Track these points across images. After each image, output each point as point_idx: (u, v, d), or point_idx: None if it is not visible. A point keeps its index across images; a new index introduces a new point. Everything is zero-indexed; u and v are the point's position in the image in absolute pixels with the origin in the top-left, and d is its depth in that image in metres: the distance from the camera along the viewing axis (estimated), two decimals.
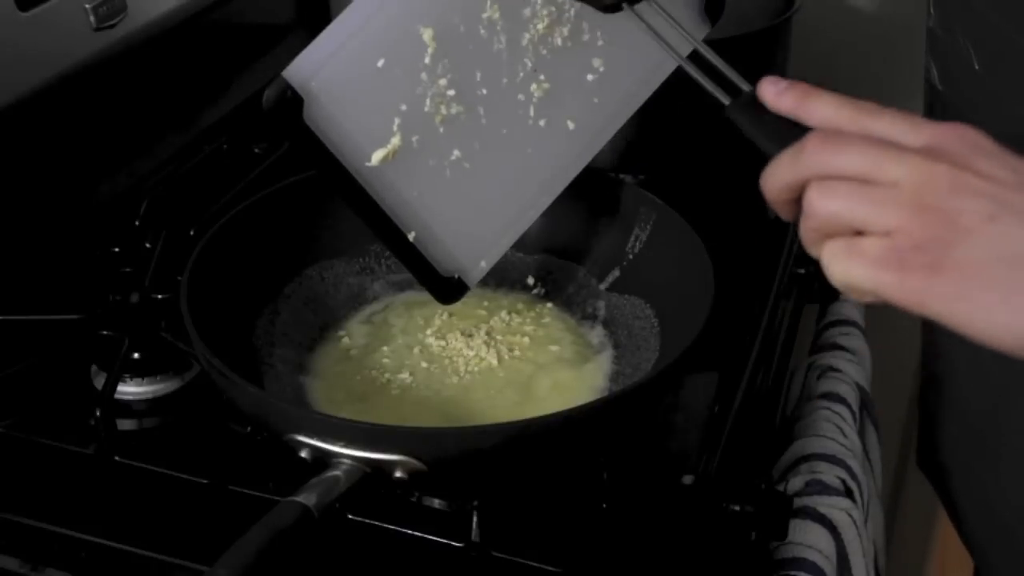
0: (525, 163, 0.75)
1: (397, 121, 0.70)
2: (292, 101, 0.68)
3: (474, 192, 0.74)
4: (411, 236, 0.73)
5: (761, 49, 0.97)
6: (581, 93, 0.74)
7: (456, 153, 0.72)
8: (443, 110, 0.71)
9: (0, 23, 0.82)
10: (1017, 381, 0.72)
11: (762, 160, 0.53)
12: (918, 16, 1.12)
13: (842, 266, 0.48)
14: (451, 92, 0.70)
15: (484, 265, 0.76)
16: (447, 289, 0.75)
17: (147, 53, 0.97)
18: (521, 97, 0.73)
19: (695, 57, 0.64)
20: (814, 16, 1.06)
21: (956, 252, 0.46)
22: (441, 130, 0.71)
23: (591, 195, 0.81)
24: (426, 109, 0.70)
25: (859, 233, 0.47)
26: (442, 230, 0.74)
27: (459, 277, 0.75)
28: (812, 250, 0.49)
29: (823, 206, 0.48)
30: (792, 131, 0.51)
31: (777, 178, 0.50)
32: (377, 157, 0.70)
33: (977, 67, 0.68)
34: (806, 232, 0.49)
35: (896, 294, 0.48)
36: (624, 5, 0.65)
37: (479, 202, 0.74)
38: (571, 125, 0.75)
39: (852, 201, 0.47)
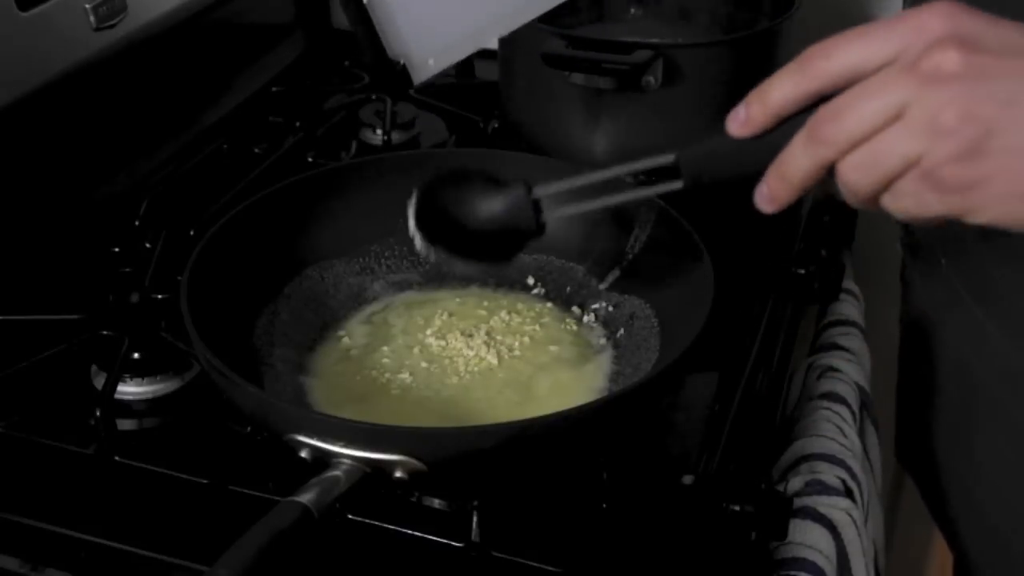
0: None
1: None
2: None
3: None
4: None
5: (761, 49, 0.97)
6: None
7: None
8: None
9: (0, 23, 0.82)
10: (992, 374, 0.72)
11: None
12: None
13: (901, 208, 0.48)
14: None
15: (432, 64, 0.70)
16: (390, 75, 0.69)
17: (147, 53, 0.97)
18: None
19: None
20: (814, 16, 1.06)
21: (987, 157, 0.45)
22: None
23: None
24: None
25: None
26: (399, 10, 0.69)
27: (404, 65, 0.69)
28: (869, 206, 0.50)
29: (857, 180, 0.48)
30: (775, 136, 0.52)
31: (797, 168, 0.50)
32: None
33: None
34: (855, 202, 0.49)
35: (949, 212, 0.47)
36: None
37: None
38: None
39: (877, 162, 0.47)
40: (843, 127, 0.48)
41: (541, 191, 0.63)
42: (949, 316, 0.73)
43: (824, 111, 0.49)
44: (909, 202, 0.47)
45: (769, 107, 0.52)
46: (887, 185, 0.48)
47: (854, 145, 0.48)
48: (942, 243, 0.74)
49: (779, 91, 0.52)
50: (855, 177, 0.48)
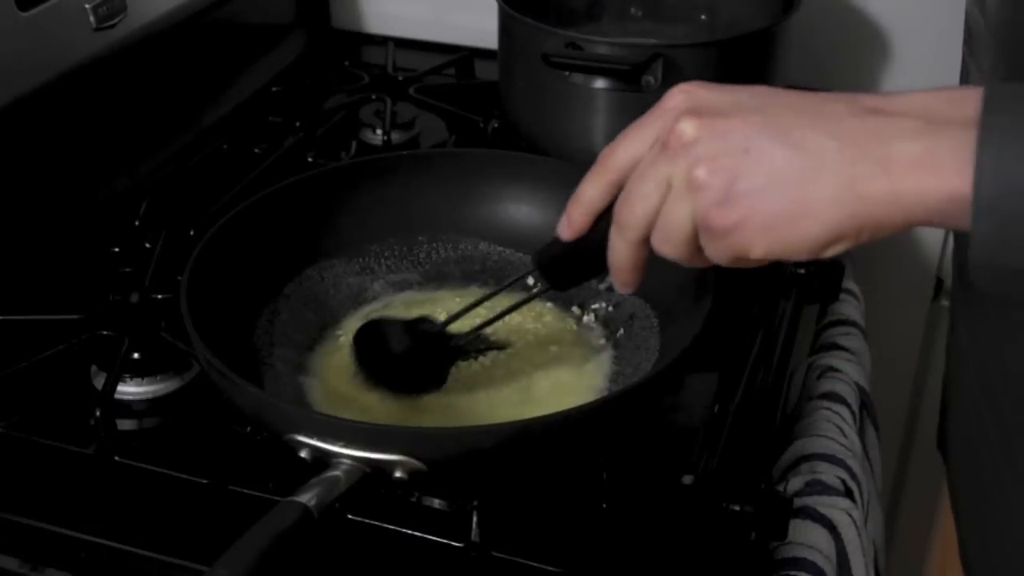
0: None
1: None
2: None
3: None
4: None
5: (761, 49, 0.97)
6: None
7: None
8: None
9: (0, 23, 0.82)
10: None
11: None
12: (918, 16, 1.12)
13: (714, 259, 0.56)
14: None
15: None
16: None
17: (147, 53, 0.97)
18: None
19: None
20: (814, 17, 1.06)
21: (738, 199, 0.51)
22: None
23: None
24: None
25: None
26: None
27: None
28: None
29: (668, 250, 0.57)
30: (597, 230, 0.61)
31: (620, 252, 0.59)
32: None
33: (985, 34, 0.68)
34: (691, 264, 0.58)
35: (733, 253, 0.54)
36: None
37: None
38: None
39: (671, 230, 0.55)
40: (633, 210, 0.56)
41: (442, 324, 0.72)
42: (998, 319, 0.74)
43: (619, 200, 0.58)
44: (712, 254, 0.55)
45: (584, 207, 0.61)
46: (691, 245, 0.55)
47: (649, 221, 0.56)
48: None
49: (587, 192, 0.61)
50: (665, 249, 0.56)
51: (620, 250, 0.59)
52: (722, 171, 0.52)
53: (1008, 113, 0.47)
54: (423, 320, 0.72)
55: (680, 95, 0.55)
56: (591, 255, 0.62)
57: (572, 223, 0.62)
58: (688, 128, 0.53)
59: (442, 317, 0.78)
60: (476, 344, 0.76)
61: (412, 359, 0.71)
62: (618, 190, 0.58)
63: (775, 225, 0.51)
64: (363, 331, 0.72)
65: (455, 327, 0.72)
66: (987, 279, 0.49)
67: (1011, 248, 0.47)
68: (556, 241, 0.64)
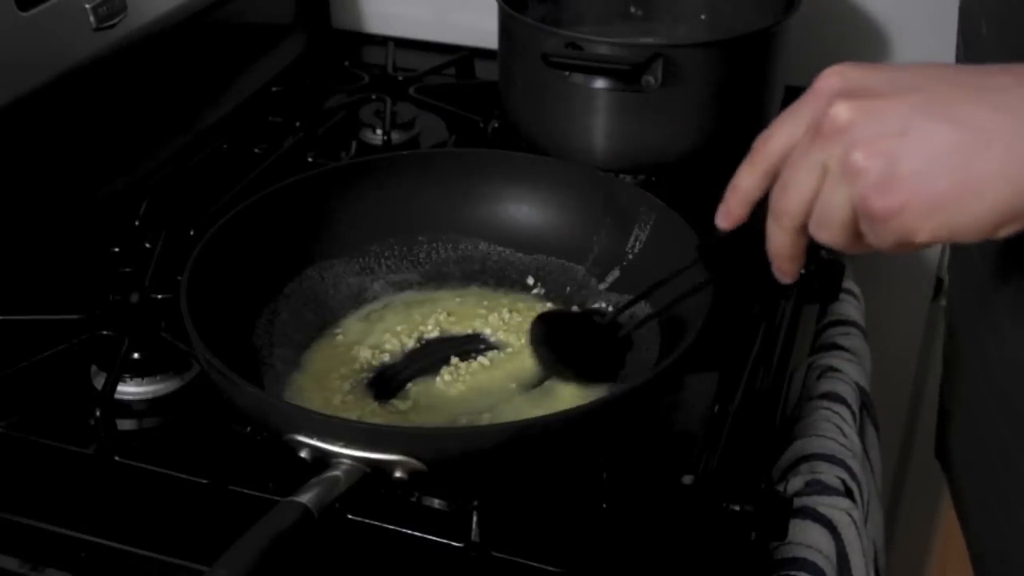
0: None
1: None
2: None
3: None
4: None
5: (761, 49, 0.97)
6: None
7: None
8: None
9: (0, 23, 0.82)
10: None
11: None
12: (918, 16, 1.12)
13: (874, 245, 0.54)
14: None
15: None
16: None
17: (147, 53, 0.97)
18: None
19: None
20: (814, 17, 1.06)
21: (900, 182, 0.50)
22: None
23: (591, 195, 0.81)
24: None
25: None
26: None
27: None
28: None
29: (826, 237, 0.55)
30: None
31: (779, 242, 0.57)
32: None
33: (984, 31, 0.68)
34: (851, 252, 0.56)
35: (897, 238, 0.52)
36: None
37: None
38: None
39: (829, 216, 0.53)
40: (789, 197, 0.55)
41: (616, 312, 0.73)
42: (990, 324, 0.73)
43: (774, 189, 0.56)
44: (874, 239, 0.53)
45: (739, 196, 0.60)
46: (850, 231, 0.54)
47: (805, 208, 0.54)
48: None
49: (743, 181, 0.59)
50: (823, 235, 0.55)
51: (778, 238, 0.57)
52: (880, 154, 0.50)
53: None
54: (594, 312, 0.73)
55: (833, 77, 0.54)
56: (751, 244, 0.60)
57: (730, 212, 0.60)
58: (842, 111, 0.51)
59: (442, 317, 0.79)
60: (476, 345, 0.76)
61: (591, 348, 0.71)
62: (774, 178, 0.57)
63: (941, 207, 0.49)
64: (541, 320, 0.72)
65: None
66: None
67: None
68: (715, 230, 0.62)
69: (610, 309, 0.73)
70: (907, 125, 0.50)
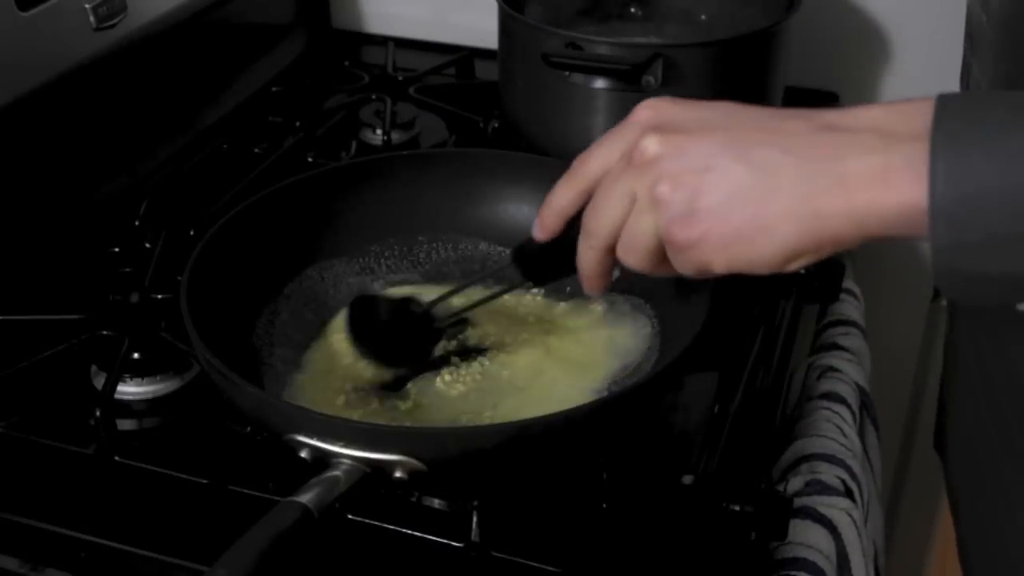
0: None
1: None
2: None
3: None
4: None
5: (761, 49, 0.97)
6: None
7: None
8: None
9: (0, 23, 0.82)
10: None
11: None
12: (918, 16, 1.12)
13: (678, 270, 0.57)
14: None
15: None
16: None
17: (147, 53, 0.97)
18: None
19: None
20: (814, 17, 1.06)
21: (699, 215, 0.53)
22: None
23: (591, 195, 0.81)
24: None
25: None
26: None
27: None
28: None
29: (632, 261, 0.58)
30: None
31: (586, 258, 0.61)
32: None
33: (990, 35, 0.68)
34: (656, 275, 0.60)
35: (696, 266, 0.55)
36: None
37: None
38: None
39: (635, 241, 0.57)
40: (599, 219, 0.58)
41: (427, 306, 0.75)
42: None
43: (587, 209, 0.60)
44: (676, 266, 0.56)
45: (555, 211, 0.63)
46: (655, 257, 0.57)
47: (614, 231, 0.58)
48: None
49: (559, 197, 0.63)
50: (629, 259, 0.58)
51: (587, 256, 0.61)
52: (684, 188, 0.53)
53: (959, 120, 0.48)
54: (410, 300, 0.75)
55: (647, 110, 0.57)
56: (564, 254, 0.64)
57: (544, 225, 0.64)
58: (652, 144, 0.55)
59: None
60: (459, 330, 0.77)
61: (400, 334, 0.73)
62: (588, 197, 0.60)
63: (734, 241, 0.53)
64: (356, 304, 0.74)
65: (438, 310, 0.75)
66: (951, 286, 0.50)
67: (970, 254, 0.48)
68: (532, 239, 0.66)
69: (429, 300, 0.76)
70: (709, 163, 0.53)
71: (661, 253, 0.57)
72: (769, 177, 0.51)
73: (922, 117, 0.49)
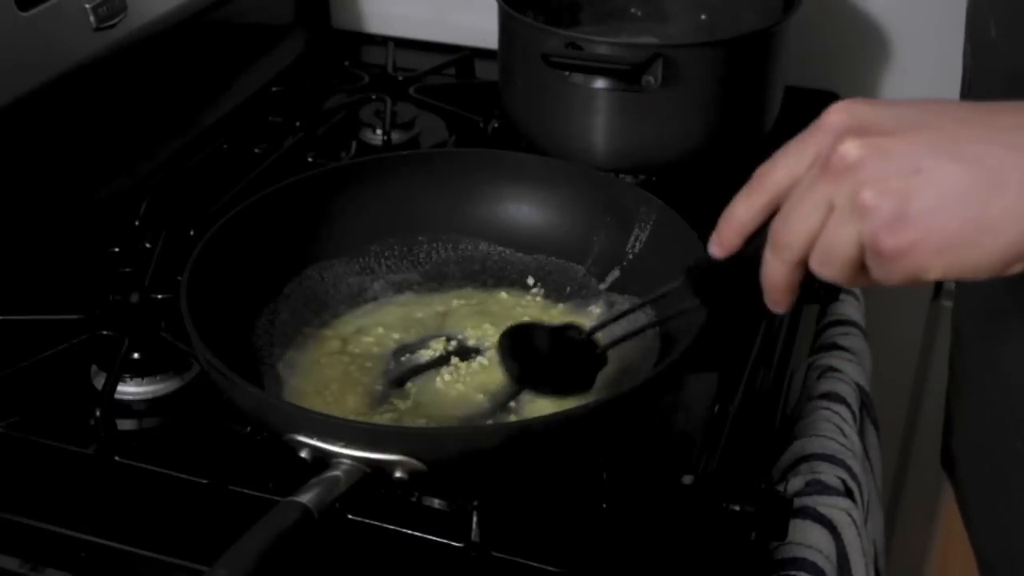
0: None
1: None
2: None
3: None
4: None
5: (761, 50, 0.97)
6: None
7: None
8: None
9: (0, 23, 0.82)
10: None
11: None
12: (918, 16, 1.12)
13: (879, 281, 0.53)
14: None
15: None
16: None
17: (147, 53, 0.97)
18: None
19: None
20: (814, 17, 1.06)
21: (911, 221, 0.49)
22: None
23: (591, 195, 0.81)
24: None
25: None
26: None
27: None
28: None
29: (827, 272, 0.54)
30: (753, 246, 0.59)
31: (776, 274, 0.56)
32: None
33: (993, 34, 0.68)
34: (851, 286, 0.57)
35: (907, 275, 0.52)
36: None
37: None
38: None
39: (832, 252, 0.53)
40: (791, 230, 0.54)
41: (593, 329, 0.70)
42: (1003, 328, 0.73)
43: (775, 221, 0.56)
44: (879, 275, 0.53)
45: (735, 226, 0.59)
46: (854, 268, 0.53)
47: (808, 243, 0.54)
48: None
49: (739, 211, 0.58)
50: (825, 271, 0.54)
51: (776, 271, 0.56)
52: (892, 193, 0.50)
53: None
54: (570, 327, 0.71)
55: (840, 113, 0.53)
56: (744, 273, 0.59)
57: (723, 242, 0.60)
58: (852, 149, 0.51)
59: (441, 316, 0.78)
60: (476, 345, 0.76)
61: (560, 362, 0.70)
62: (772, 211, 0.56)
63: (953, 245, 0.49)
64: (511, 333, 0.70)
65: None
66: None
67: None
68: (707, 256, 0.61)
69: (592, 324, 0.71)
70: (919, 164, 0.50)
71: (860, 263, 0.53)
72: (991, 174, 0.48)
73: None
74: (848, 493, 0.76)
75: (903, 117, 0.52)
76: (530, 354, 0.69)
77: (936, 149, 0.50)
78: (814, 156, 0.54)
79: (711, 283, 0.63)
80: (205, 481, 0.68)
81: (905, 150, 0.50)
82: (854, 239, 0.52)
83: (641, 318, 0.71)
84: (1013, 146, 0.49)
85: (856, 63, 1.16)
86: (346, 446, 0.59)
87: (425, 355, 0.75)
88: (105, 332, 0.78)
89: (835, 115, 0.53)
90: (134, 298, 0.80)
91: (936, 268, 0.50)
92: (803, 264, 0.55)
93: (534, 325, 0.72)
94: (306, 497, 0.57)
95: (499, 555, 0.64)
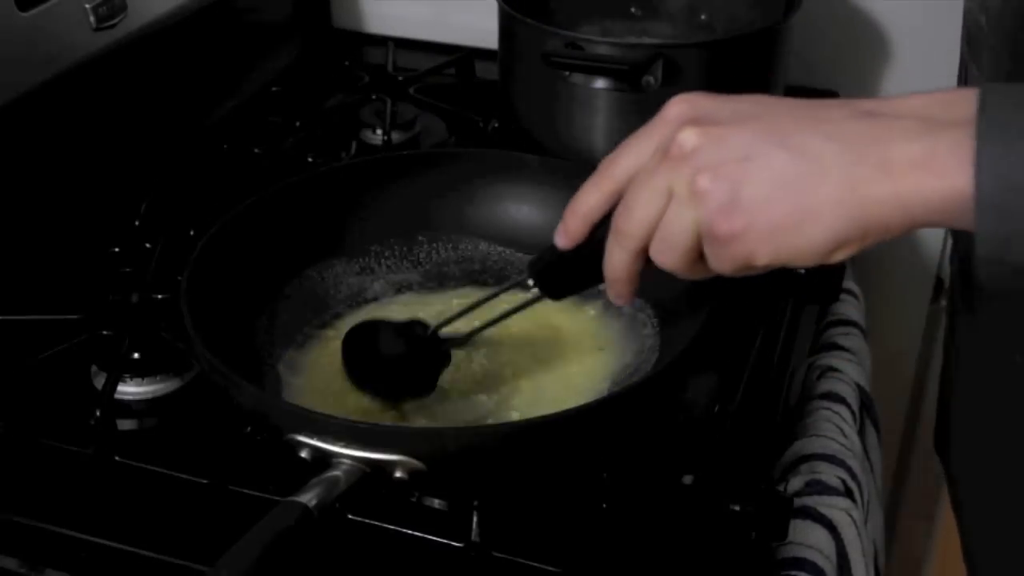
0: None
1: None
2: None
3: None
4: None
5: (761, 49, 0.97)
6: None
7: None
8: None
9: (0, 23, 0.82)
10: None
11: None
12: (917, 16, 1.12)
13: (717, 269, 0.56)
14: None
15: None
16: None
17: (147, 53, 0.97)
18: None
19: None
20: (814, 17, 1.06)
21: (741, 206, 0.52)
22: None
23: None
24: None
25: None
26: None
27: None
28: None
29: (667, 260, 0.56)
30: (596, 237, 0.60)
31: (618, 261, 0.58)
32: None
33: (988, 33, 0.69)
34: (691, 277, 0.58)
35: (738, 261, 0.54)
36: None
37: None
38: None
39: (672, 239, 0.55)
40: (632, 217, 0.56)
41: (434, 327, 0.71)
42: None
43: (618, 209, 0.58)
44: (715, 263, 0.55)
45: (580, 216, 0.61)
46: (691, 256, 0.55)
47: (648, 230, 0.56)
48: None
49: (586, 200, 0.60)
50: (664, 259, 0.56)
51: (617, 259, 0.58)
52: (725, 178, 0.52)
53: (1005, 110, 0.47)
54: (415, 323, 0.71)
55: (681, 104, 0.56)
56: (587, 265, 0.61)
57: (569, 231, 0.61)
58: (690, 137, 0.53)
59: (440, 318, 0.78)
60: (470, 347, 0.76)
61: (402, 364, 0.70)
62: (617, 200, 0.58)
63: (780, 231, 0.51)
64: (353, 333, 0.71)
65: (448, 330, 0.71)
66: (992, 276, 0.49)
67: (1015, 244, 0.47)
68: (552, 248, 0.63)
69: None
70: (750, 151, 0.52)
71: (698, 252, 0.55)
72: (813, 164, 0.50)
73: (965, 105, 0.48)
74: (848, 493, 0.76)
75: (739, 110, 0.54)
76: (370, 356, 0.70)
77: (766, 138, 0.52)
78: (656, 146, 0.56)
79: (555, 276, 0.65)
80: (205, 481, 0.68)
81: (738, 138, 0.52)
82: (691, 225, 0.54)
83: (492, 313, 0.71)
84: (832, 136, 0.50)
85: (856, 63, 1.16)
86: (346, 446, 0.59)
87: None
88: (105, 332, 0.78)
89: (676, 107, 0.56)
90: (134, 298, 0.80)
91: (764, 253, 0.52)
92: (644, 253, 0.57)
93: (379, 323, 0.72)
94: (306, 497, 0.57)
95: (499, 555, 0.64)
